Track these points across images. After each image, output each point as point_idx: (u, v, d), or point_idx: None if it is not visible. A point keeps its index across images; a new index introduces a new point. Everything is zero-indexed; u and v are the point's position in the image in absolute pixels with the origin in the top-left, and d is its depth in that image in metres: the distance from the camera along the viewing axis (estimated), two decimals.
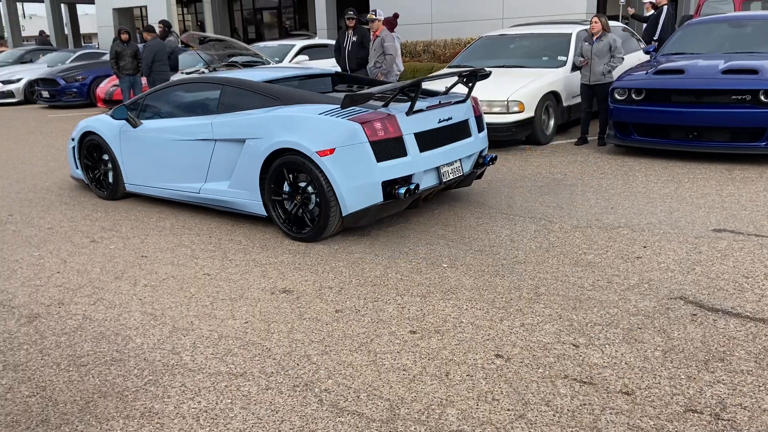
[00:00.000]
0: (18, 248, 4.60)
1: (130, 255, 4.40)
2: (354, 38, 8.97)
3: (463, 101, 5.10)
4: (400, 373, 2.76)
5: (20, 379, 2.83)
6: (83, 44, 35.88)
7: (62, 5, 29.25)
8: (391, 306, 3.44)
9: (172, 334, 3.19)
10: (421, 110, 4.68)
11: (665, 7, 9.10)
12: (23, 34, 32.44)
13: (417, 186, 4.50)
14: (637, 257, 3.95)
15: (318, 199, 4.47)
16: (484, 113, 7.24)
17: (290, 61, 11.35)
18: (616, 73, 7.80)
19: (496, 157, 5.31)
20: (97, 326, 3.32)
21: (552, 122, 7.82)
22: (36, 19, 50.55)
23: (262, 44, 13.39)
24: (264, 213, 4.81)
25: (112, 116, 5.86)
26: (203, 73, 11.08)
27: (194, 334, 3.19)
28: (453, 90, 7.14)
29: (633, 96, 6.62)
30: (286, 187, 4.65)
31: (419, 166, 4.55)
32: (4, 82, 14.77)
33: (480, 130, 5.22)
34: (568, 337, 3.01)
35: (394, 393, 2.62)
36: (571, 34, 8.31)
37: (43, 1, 28.07)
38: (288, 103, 4.81)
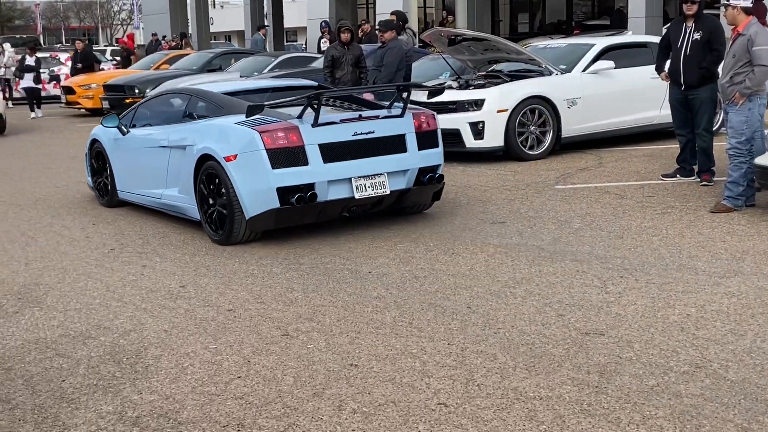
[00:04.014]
0: (190, 336, 5.30)
1: (335, 361, 4.78)
2: (697, 35, 8.84)
3: (399, 116, 7.57)
4: None
5: None
6: (286, 43, 40.67)
7: None
8: None
9: None
10: (333, 122, 7.29)
11: None
12: (211, 29, 37.96)
13: (313, 195, 7.10)
14: None
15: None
16: None
17: (584, 70, 11.53)
18: None
19: (441, 176, 7.76)
20: None
21: None
22: (229, 8, 58.87)
23: (541, 44, 13.87)
24: (198, 217, 7.80)
25: (102, 124, 9.28)
26: (450, 87, 11.80)
27: None
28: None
29: None
30: (209, 191, 7.54)
31: (321, 176, 7.14)
32: None
33: (423, 146, 7.63)
34: None
35: None
36: None
37: None
38: (230, 113, 7.67)
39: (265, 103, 7.50)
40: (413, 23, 22.45)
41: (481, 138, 11.00)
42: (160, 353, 5.02)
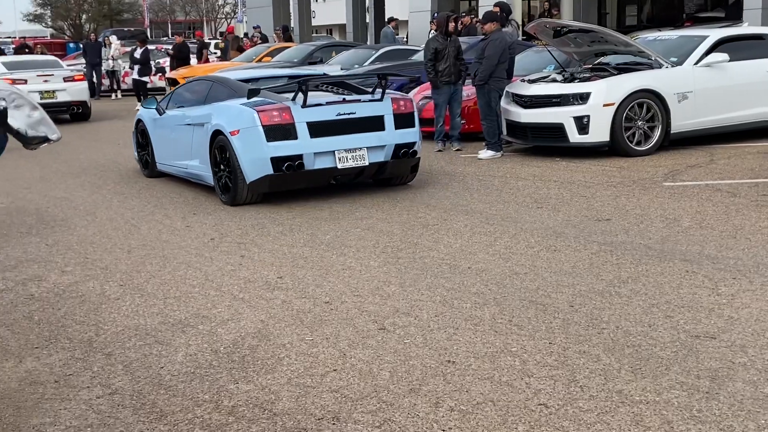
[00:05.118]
0: (287, 327, 5.33)
1: (432, 357, 4.73)
2: None
3: (379, 100, 9.13)
4: None
5: None
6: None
7: None
8: None
9: None
10: (319, 104, 8.88)
11: None
12: (313, 23, 38.31)
13: (301, 164, 8.71)
14: None
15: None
16: None
17: (696, 63, 11.15)
18: None
19: (414, 152, 9.29)
20: None
21: None
22: (331, 1, 59.48)
23: (651, 35, 13.51)
24: (212, 183, 9.46)
25: (143, 106, 11.24)
26: (554, 80, 11.60)
27: None
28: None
29: None
30: (219, 160, 9.21)
31: (308, 148, 8.72)
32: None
33: (400, 126, 9.15)
34: None
35: None
36: None
37: None
38: (241, 96, 9.23)
39: (262, 87, 9.34)
40: (517, 15, 22.18)
41: (586, 133, 10.76)
42: (256, 344, 5.06)
